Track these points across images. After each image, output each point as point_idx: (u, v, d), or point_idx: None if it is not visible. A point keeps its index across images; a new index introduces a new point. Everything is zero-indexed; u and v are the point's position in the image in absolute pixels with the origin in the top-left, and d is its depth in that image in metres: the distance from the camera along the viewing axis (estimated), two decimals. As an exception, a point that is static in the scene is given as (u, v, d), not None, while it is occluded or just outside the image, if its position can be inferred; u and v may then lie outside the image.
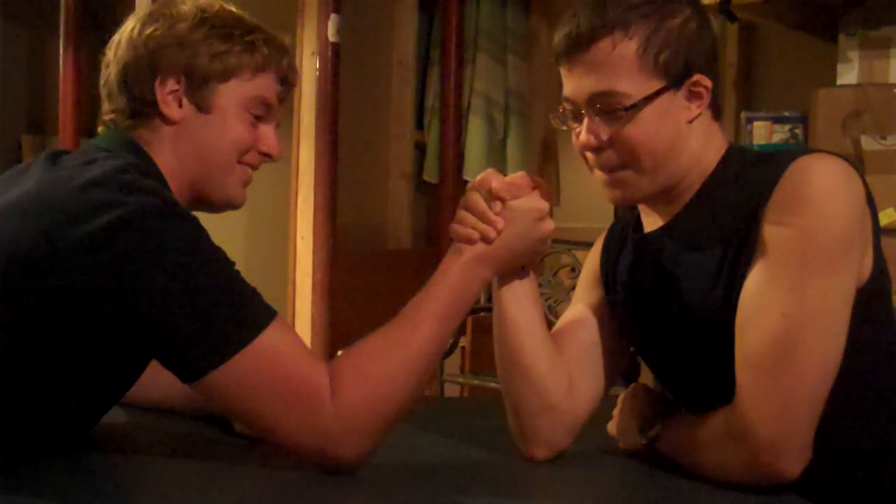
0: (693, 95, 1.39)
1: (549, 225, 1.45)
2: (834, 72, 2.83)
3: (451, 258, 1.41)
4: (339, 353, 1.44)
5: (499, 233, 1.40)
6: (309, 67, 3.32)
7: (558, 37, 1.39)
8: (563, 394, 1.49)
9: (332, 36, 3.31)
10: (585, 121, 1.38)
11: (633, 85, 1.35)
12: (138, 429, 1.61)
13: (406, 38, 4.17)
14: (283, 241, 3.49)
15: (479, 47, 4.03)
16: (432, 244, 4.01)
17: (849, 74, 2.79)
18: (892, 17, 2.76)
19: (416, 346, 1.35)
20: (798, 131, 2.90)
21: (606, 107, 1.36)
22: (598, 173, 1.43)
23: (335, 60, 3.33)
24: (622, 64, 1.35)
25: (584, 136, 1.39)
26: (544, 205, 1.43)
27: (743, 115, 3.06)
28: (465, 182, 3.96)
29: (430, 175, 4.10)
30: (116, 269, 1.25)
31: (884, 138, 2.56)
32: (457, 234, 1.42)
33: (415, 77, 4.19)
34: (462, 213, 1.42)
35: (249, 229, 3.61)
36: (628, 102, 1.35)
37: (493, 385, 3.26)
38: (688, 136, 1.39)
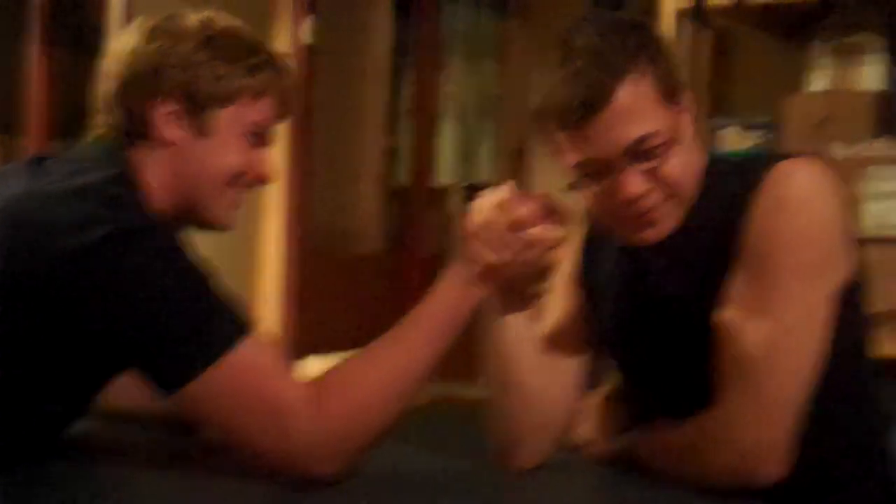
0: (687, 110, 1.38)
1: (561, 255, 1.42)
2: (805, 79, 2.85)
3: (455, 276, 1.36)
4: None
5: (513, 257, 1.35)
6: (282, 69, 3.30)
7: (561, 103, 1.31)
8: (553, 406, 1.48)
9: (305, 38, 3.30)
10: (625, 172, 1.32)
11: (660, 121, 1.32)
12: (106, 437, 1.58)
13: (381, 42, 4.17)
14: (251, 243, 3.47)
15: (453, 52, 4.03)
16: (402, 248, 4.00)
17: (820, 81, 2.81)
18: (863, 24, 2.77)
19: (404, 367, 1.33)
20: (768, 138, 2.91)
21: (645, 150, 1.32)
22: (625, 221, 1.37)
23: (309, 63, 3.32)
24: (646, 104, 1.31)
25: (636, 186, 1.32)
26: (561, 235, 1.39)
27: (714, 121, 3.07)
28: (436, 187, 3.96)
29: (402, 179, 4.09)
30: (98, 284, 1.24)
31: (853, 145, 2.57)
32: (473, 252, 1.35)
33: (388, 80, 4.19)
34: (477, 228, 1.36)
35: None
36: (667, 138, 1.32)
37: (458, 393, 3.25)
38: (692, 152, 1.39)
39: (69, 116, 3.94)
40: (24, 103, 3.84)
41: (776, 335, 1.29)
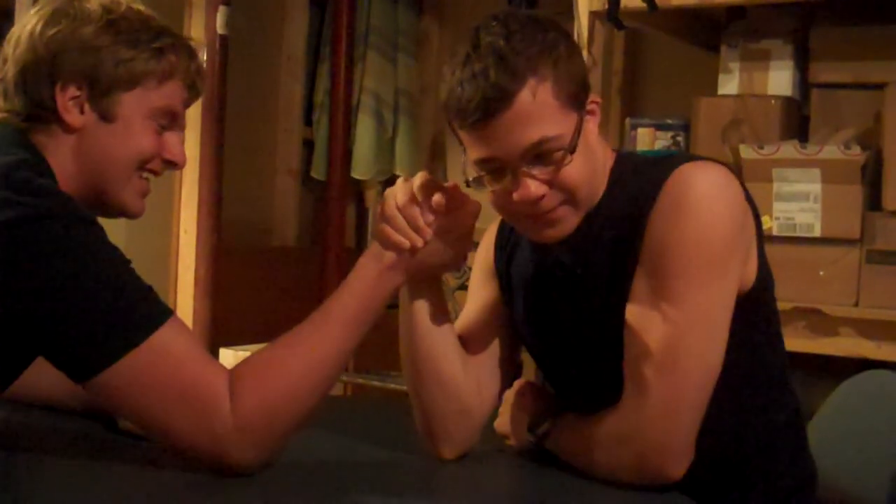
0: (590, 114, 1.40)
1: (472, 243, 1.43)
2: (716, 81, 2.91)
3: (369, 263, 1.37)
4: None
5: (425, 244, 1.37)
6: (196, 59, 3.26)
7: (462, 101, 1.33)
8: (473, 396, 1.50)
9: (220, 28, 3.26)
10: (521, 175, 1.35)
11: (559, 125, 1.34)
12: (21, 425, 1.56)
13: (296, 33, 4.14)
14: (166, 234, 3.43)
15: (369, 45, 4.02)
16: (318, 242, 3.98)
17: (729, 84, 2.86)
18: (772, 30, 2.84)
19: (321, 355, 1.33)
20: (680, 138, 2.96)
21: (543, 154, 1.34)
22: (524, 219, 1.41)
23: (223, 53, 3.28)
24: (545, 109, 1.33)
25: (531, 190, 1.35)
26: (472, 222, 1.41)
27: (627, 121, 3.12)
28: (354, 180, 3.95)
29: (318, 172, 4.07)
30: (8, 269, 1.22)
31: (761, 147, 2.63)
32: (386, 237, 1.37)
33: (304, 72, 4.16)
34: (392, 215, 1.37)
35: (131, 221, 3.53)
36: (564, 143, 1.34)
37: (376, 384, 3.26)
38: (595, 155, 1.41)
39: None
40: None
41: (673, 336, 1.31)
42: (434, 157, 4.25)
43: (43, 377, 1.42)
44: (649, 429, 1.32)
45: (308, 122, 4.19)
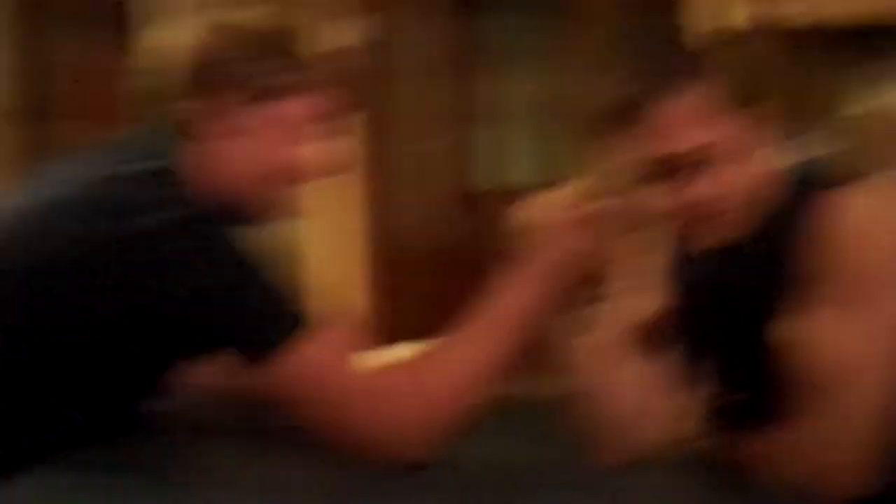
0: (748, 125, 1.38)
1: (633, 251, 1.44)
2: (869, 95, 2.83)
3: (533, 266, 1.39)
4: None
5: (589, 249, 1.38)
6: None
7: (615, 103, 1.33)
8: (641, 401, 1.49)
9: (370, 36, 3.31)
10: (679, 178, 1.34)
11: (719, 130, 1.33)
12: (189, 415, 1.59)
13: (449, 40, 4.13)
14: (338, 236, 3.53)
15: (522, 52, 3.99)
16: (473, 247, 4.02)
17: (883, 99, 2.78)
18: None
19: (484, 356, 1.34)
20: (831, 152, 2.89)
21: (703, 159, 1.33)
22: (681, 224, 1.39)
23: (375, 61, 3.31)
24: (702, 113, 1.32)
25: (688, 194, 1.34)
26: (635, 230, 1.43)
27: (777, 132, 3.05)
28: (506, 188, 3.96)
29: (474, 179, 4.08)
30: (162, 270, 1.27)
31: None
32: (541, 247, 1.39)
33: (459, 80, 4.15)
34: (557, 221, 1.39)
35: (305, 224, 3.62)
36: (723, 149, 1.32)
37: (531, 386, 3.26)
38: (755, 162, 1.39)
39: (105, 104, 3.93)
40: (60, 90, 3.91)
41: (849, 351, 1.30)
42: (586, 164, 4.23)
43: (207, 369, 1.47)
44: (822, 451, 1.31)
45: (461, 129, 4.19)
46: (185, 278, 1.27)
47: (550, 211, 1.40)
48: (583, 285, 1.47)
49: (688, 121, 1.32)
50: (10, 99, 4.06)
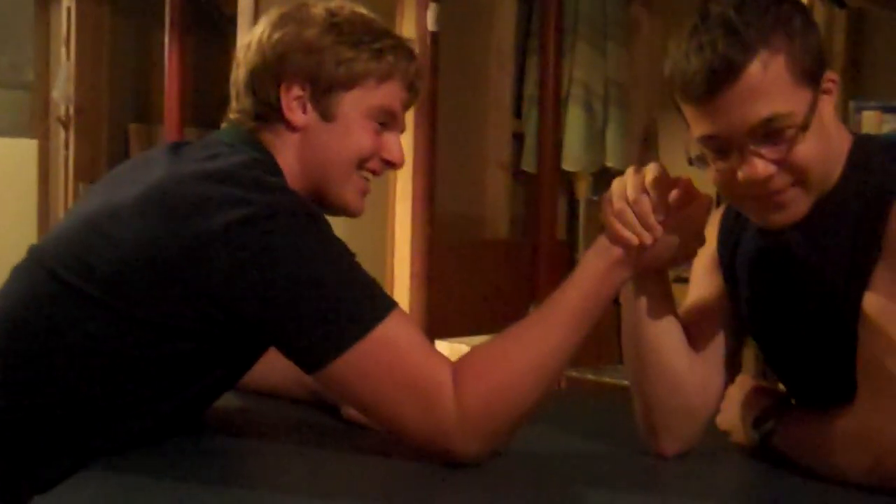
0: (825, 93, 1.33)
1: (703, 241, 1.40)
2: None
3: (596, 258, 1.36)
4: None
5: (655, 240, 1.35)
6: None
7: (687, 74, 1.28)
8: (698, 391, 1.46)
9: (431, 25, 3.31)
10: (749, 153, 1.28)
11: (792, 102, 1.28)
12: (250, 413, 1.63)
13: (505, 26, 4.16)
14: (381, 228, 3.51)
15: (578, 35, 3.99)
16: (529, 234, 3.99)
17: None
18: None
19: (546, 351, 1.33)
20: (908, 122, 2.81)
21: (773, 132, 1.28)
22: (750, 202, 1.35)
23: (434, 50, 3.33)
24: (777, 84, 1.27)
25: (758, 169, 1.28)
26: (705, 217, 1.38)
27: (851, 104, 2.98)
28: (564, 172, 3.93)
29: (528, 165, 4.08)
30: (242, 264, 1.27)
31: None
32: (615, 232, 1.35)
33: (513, 65, 4.18)
34: (621, 209, 1.35)
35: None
36: (797, 121, 1.28)
37: (590, 377, 3.24)
38: (829, 136, 1.34)
39: (204, 104, 4.05)
40: (160, 93, 3.95)
41: None
42: (646, 148, 4.19)
43: (272, 368, 1.47)
44: (885, 433, 1.25)
45: (518, 114, 4.21)
46: (251, 277, 1.28)
47: (623, 197, 1.35)
48: (658, 272, 1.43)
49: (769, 90, 1.27)
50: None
